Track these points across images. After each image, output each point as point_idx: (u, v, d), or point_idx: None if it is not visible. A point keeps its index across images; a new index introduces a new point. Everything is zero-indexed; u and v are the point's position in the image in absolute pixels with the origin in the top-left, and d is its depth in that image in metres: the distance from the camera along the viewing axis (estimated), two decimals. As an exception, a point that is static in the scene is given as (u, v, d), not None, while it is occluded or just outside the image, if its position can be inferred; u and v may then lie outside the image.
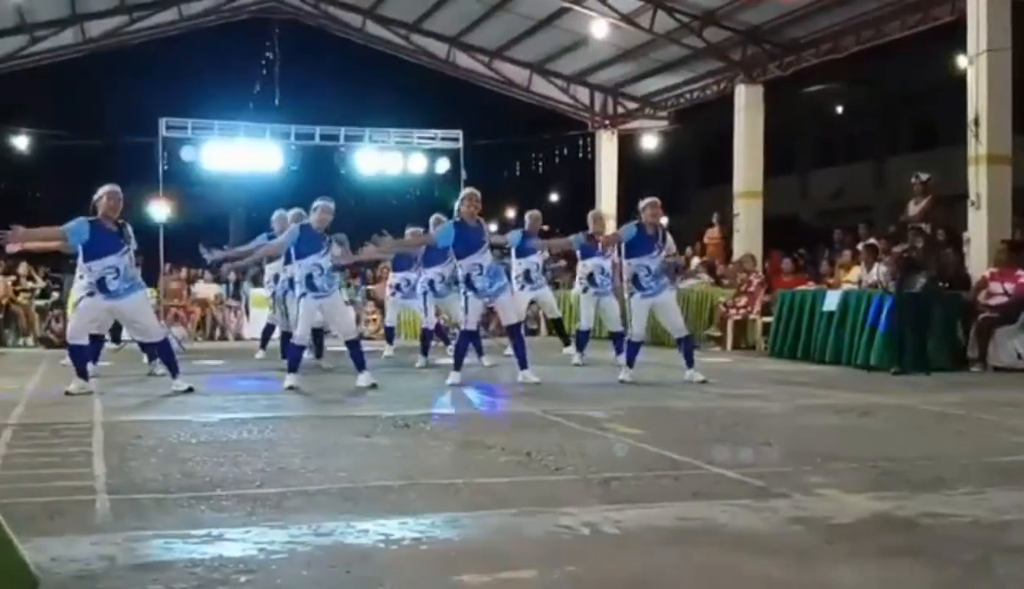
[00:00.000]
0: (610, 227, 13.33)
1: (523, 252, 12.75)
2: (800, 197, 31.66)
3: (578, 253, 12.87)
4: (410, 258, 13.10)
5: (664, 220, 11.30)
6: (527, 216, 13.06)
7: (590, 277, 12.62)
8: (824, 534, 4.29)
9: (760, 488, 5.12)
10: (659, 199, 10.60)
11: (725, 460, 5.81)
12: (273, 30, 22.23)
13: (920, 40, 16.33)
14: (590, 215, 13.22)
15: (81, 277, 9.75)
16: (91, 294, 9.30)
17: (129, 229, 9.44)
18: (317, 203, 10.08)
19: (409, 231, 13.11)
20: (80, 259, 9.40)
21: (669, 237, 11.02)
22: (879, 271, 12.59)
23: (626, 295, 10.73)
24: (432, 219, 13.27)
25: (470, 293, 10.25)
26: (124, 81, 26.36)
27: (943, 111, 24.51)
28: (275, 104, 22.77)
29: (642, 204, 10.54)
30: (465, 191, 10.49)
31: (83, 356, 9.58)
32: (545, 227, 15.15)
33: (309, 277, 9.92)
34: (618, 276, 12.66)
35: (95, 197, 9.28)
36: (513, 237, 12.88)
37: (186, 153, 19.98)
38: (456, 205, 10.40)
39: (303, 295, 10.01)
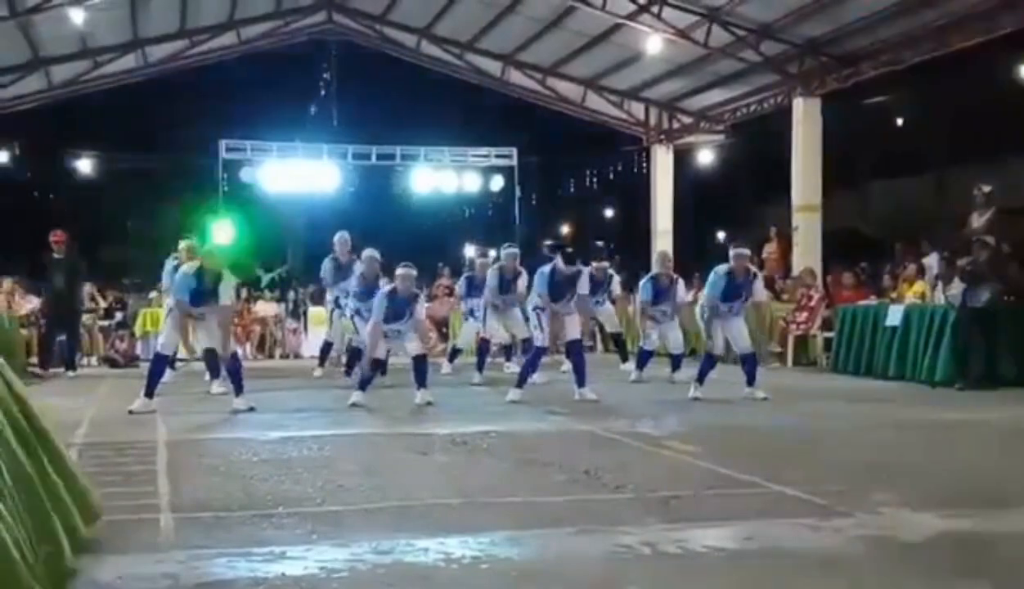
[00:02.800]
0: (664, 243, 13.28)
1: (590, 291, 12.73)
2: (859, 210, 31.28)
3: (649, 301, 12.48)
4: (480, 286, 13.24)
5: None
6: (592, 266, 12.79)
7: (653, 317, 12.58)
8: (889, 554, 4.22)
9: (823, 506, 5.04)
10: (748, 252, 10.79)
11: (787, 478, 5.73)
12: (330, 52, 22.50)
13: (982, 50, 16.09)
14: (657, 255, 13.23)
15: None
16: (178, 304, 9.70)
17: (224, 283, 9.63)
18: (399, 271, 10.15)
19: (480, 261, 13.70)
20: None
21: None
22: (953, 289, 12.18)
23: (699, 313, 10.85)
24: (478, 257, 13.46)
25: (540, 307, 10.49)
26: (184, 104, 26.78)
27: (1005, 122, 24.12)
28: (333, 124, 23.04)
29: (732, 253, 10.49)
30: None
31: (163, 370, 9.93)
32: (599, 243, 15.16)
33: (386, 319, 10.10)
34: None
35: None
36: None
37: (245, 174, 20.29)
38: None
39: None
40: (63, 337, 15.41)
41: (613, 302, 14.24)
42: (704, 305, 10.70)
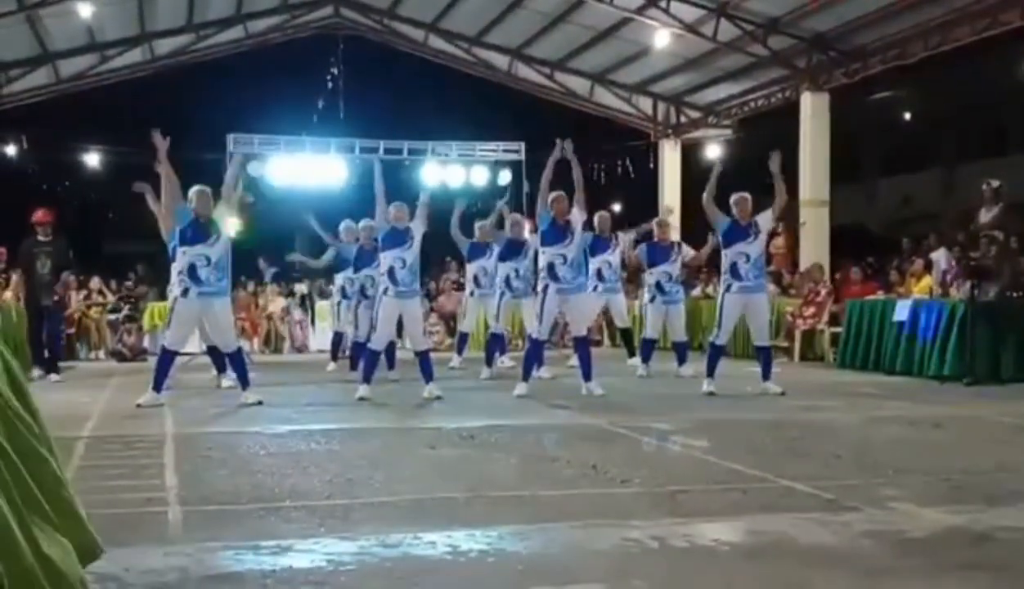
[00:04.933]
0: (674, 237, 13.26)
1: (595, 250, 12.72)
2: (866, 205, 31.24)
3: (644, 262, 12.87)
4: (486, 247, 13.26)
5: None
6: (596, 217, 13.01)
7: (658, 285, 12.63)
8: (897, 548, 4.22)
9: (831, 501, 5.04)
10: (749, 195, 10.51)
11: (794, 473, 5.73)
12: (337, 45, 22.49)
13: (989, 45, 16.06)
14: (655, 221, 13.20)
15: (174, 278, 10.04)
16: (184, 292, 9.50)
17: (220, 225, 9.62)
18: (390, 208, 10.25)
19: (478, 225, 13.53)
20: (176, 254, 9.73)
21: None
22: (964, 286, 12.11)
23: (720, 290, 10.64)
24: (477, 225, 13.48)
25: (551, 285, 10.23)
26: (192, 98, 26.75)
27: (1012, 117, 24.10)
28: (340, 118, 23.03)
29: (732, 200, 10.47)
30: (553, 193, 10.49)
31: (170, 365, 9.82)
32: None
33: (391, 271, 10.06)
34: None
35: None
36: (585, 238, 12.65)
37: (253, 168, 20.30)
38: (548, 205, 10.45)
39: (384, 291, 10.15)
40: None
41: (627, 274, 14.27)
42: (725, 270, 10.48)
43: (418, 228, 10.20)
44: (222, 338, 10.04)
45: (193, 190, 9.69)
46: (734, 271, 10.28)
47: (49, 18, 17.47)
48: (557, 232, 10.29)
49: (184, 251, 9.46)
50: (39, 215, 13.25)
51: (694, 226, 17.51)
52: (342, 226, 13.21)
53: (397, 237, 10.14)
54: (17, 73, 19.58)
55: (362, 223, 12.51)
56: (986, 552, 4.16)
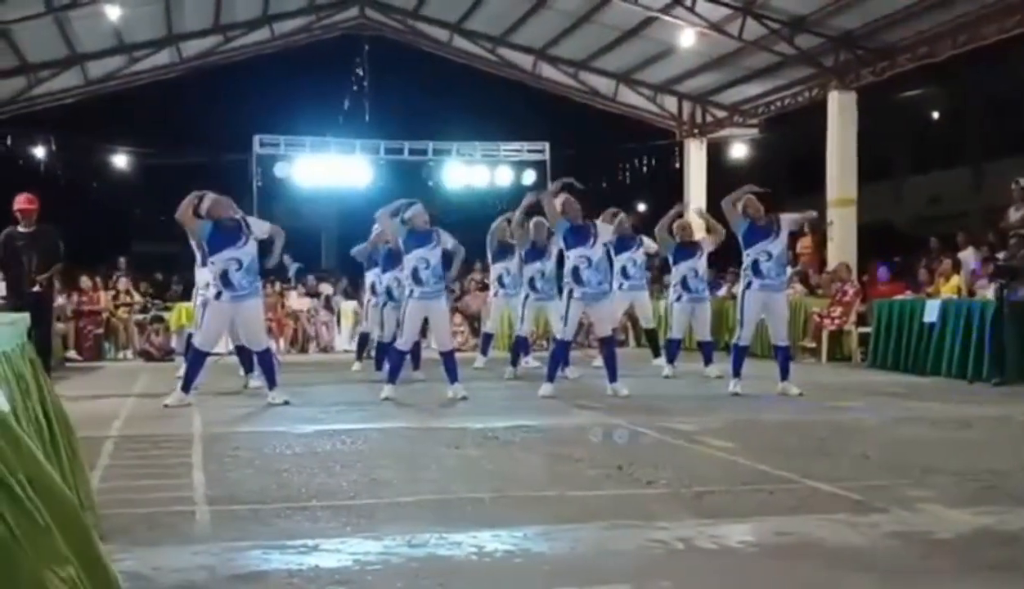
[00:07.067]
0: (697, 237, 13.20)
1: (619, 249, 12.66)
2: (894, 204, 31.03)
3: (670, 258, 12.82)
4: (509, 248, 13.24)
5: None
6: (618, 217, 12.99)
7: (683, 282, 12.53)
8: (925, 549, 4.20)
9: (858, 502, 5.01)
10: (753, 196, 10.39)
11: (821, 474, 5.70)
12: (363, 46, 22.57)
13: (1017, 42, 15.92)
14: (676, 224, 13.14)
15: (207, 285, 10.10)
16: (217, 296, 9.55)
17: (249, 222, 9.70)
18: (410, 212, 10.25)
19: (500, 219, 13.55)
20: (204, 259, 9.98)
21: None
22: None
23: (740, 288, 10.59)
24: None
25: (576, 289, 10.18)
26: (218, 100, 26.90)
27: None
28: (365, 120, 23.11)
29: (742, 203, 10.36)
30: (561, 196, 10.57)
31: (201, 365, 9.83)
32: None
33: (415, 272, 10.03)
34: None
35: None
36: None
37: (279, 169, 20.44)
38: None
39: (409, 294, 10.13)
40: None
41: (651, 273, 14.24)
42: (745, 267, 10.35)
43: (446, 239, 10.21)
44: (253, 337, 10.07)
45: (205, 204, 9.66)
46: (756, 269, 10.19)
47: (78, 20, 17.61)
48: (579, 234, 10.25)
49: (214, 261, 9.53)
50: (21, 201, 11.40)
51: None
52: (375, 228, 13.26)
53: (420, 237, 10.12)
54: (46, 74, 19.73)
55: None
56: (1015, 553, 4.13)
